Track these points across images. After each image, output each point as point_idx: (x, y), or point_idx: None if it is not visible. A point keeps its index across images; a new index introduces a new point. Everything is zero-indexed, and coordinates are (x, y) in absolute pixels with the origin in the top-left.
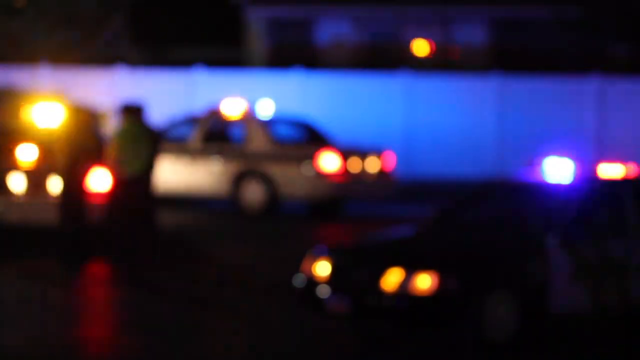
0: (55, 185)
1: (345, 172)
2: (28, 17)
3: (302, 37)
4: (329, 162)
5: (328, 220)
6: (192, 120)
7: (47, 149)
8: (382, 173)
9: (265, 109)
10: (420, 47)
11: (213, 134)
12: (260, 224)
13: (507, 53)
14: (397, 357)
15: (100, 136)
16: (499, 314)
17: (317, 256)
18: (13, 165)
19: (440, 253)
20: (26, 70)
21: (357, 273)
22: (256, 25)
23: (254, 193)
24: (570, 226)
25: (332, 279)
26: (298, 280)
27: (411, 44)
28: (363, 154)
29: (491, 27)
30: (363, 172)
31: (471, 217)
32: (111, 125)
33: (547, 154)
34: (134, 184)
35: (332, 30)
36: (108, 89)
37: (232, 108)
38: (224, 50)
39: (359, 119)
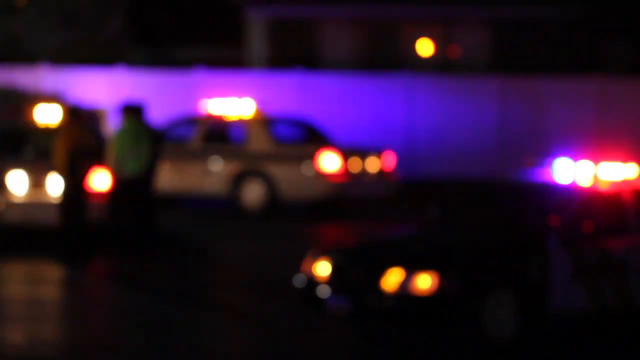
0: (55, 185)
1: (345, 172)
2: (28, 17)
3: (302, 37)
4: (329, 162)
5: (328, 220)
6: (192, 120)
7: (47, 148)
8: (382, 173)
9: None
10: (423, 47)
11: (213, 134)
12: (260, 224)
13: (507, 53)
14: (397, 357)
15: (100, 136)
16: (499, 314)
17: (317, 256)
18: (13, 165)
19: (440, 253)
20: (26, 70)
21: (357, 273)
22: (256, 25)
23: (254, 193)
24: (570, 226)
25: (332, 279)
26: (298, 280)
27: (412, 44)
28: (363, 154)
29: (491, 27)
30: (363, 172)
31: (471, 217)
32: (111, 125)
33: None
34: (134, 183)
35: (332, 30)
36: (108, 89)
37: (232, 108)
38: (224, 51)
39: (359, 119)
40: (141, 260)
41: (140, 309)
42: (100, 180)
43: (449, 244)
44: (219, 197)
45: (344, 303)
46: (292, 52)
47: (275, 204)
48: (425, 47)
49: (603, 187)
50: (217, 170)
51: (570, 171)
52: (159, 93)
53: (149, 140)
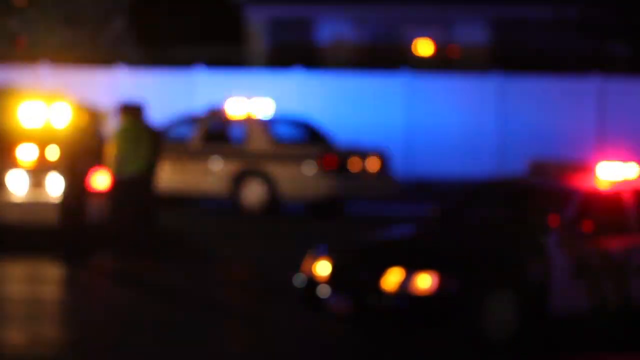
0: (55, 185)
1: (345, 172)
2: (28, 17)
3: (302, 37)
4: (328, 162)
5: (328, 220)
6: (192, 120)
7: (47, 148)
8: (382, 173)
9: (266, 109)
10: (423, 47)
11: (213, 134)
12: (260, 224)
13: (507, 53)
14: (397, 357)
15: (100, 136)
16: (499, 314)
17: (317, 256)
18: (13, 165)
19: (440, 253)
20: (26, 70)
21: (357, 273)
22: (256, 25)
23: (254, 193)
24: (570, 226)
25: (332, 279)
26: (298, 280)
27: (412, 43)
28: (363, 154)
29: (491, 27)
30: (363, 172)
31: (471, 217)
32: (110, 125)
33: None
34: (134, 183)
35: (332, 30)
36: (108, 89)
37: (236, 107)
38: (224, 50)
39: (359, 119)
40: (141, 260)
41: (140, 308)
42: (100, 180)
43: (449, 244)
44: (219, 197)
45: (344, 303)
46: (292, 52)
47: (275, 203)
48: (425, 47)
49: (603, 187)
50: (217, 170)
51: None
52: (159, 93)
53: (149, 140)
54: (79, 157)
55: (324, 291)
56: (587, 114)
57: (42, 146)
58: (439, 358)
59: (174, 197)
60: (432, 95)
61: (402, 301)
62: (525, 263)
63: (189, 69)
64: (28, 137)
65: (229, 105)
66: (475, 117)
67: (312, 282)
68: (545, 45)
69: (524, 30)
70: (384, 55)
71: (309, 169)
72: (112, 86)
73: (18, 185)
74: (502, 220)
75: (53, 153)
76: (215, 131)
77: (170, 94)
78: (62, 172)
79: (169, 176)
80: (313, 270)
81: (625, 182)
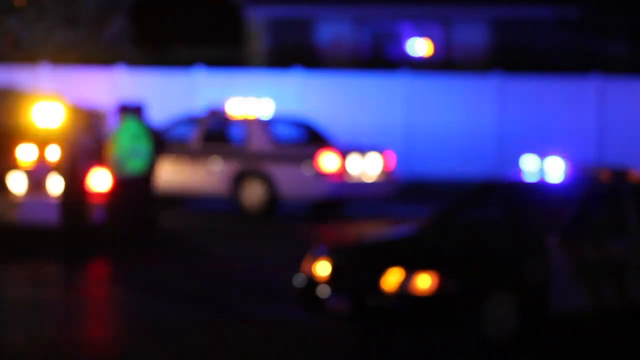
0: (55, 185)
1: (345, 172)
2: (28, 17)
3: (302, 37)
4: (329, 162)
5: (328, 220)
6: (192, 120)
7: (47, 149)
8: (382, 173)
9: (265, 109)
10: (423, 47)
11: (213, 134)
12: (260, 224)
13: (507, 53)
14: (397, 357)
15: (100, 136)
16: (499, 314)
17: (317, 256)
18: (13, 165)
19: (440, 253)
20: (26, 70)
21: (357, 273)
22: (256, 25)
23: (254, 193)
24: (570, 226)
25: (332, 279)
26: (298, 280)
27: (412, 43)
28: (363, 154)
29: (491, 27)
30: (363, 172)
31: (471, 217)
32: (110, 125)
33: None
34: (133, 183)
35: (332, 30)
36: (108, 89)
37: (236, 107)
38: (224, 50)
39: (359, 119)
40: (141, 260)
41: (140, 308)
42: (100, 180)
43: (449, 244)
44: (219, 197)
45: (344, 303)
46: (292, 52)
47: (275, 204)
48: (425, 47)
49: (603, 187)
50: (217, 170)
51: (569, 171)
52: (159, 93)
53: (148, 140)
54: (78, 157)
55: (323, 291)
56: (587, 114)
57: (42, 146)
58: (439, 358)
59: (174, 197)
60: (432, 95)
61: (402, 301)
62: (525, 263)
63: (189, 69)
64: (28, 137)
65: (229, 105)
66: (475, 117)
67: (312, 282)
68: (545, 45)
69: (523, 30)
70: (384, 56)
71: (309, 169)
72: (112, 86)
73: (18, 186)
74: (502, 221)
75: (53, 153)
76: (215, 131)
77: (170, 94)
78: (62, 172)
79: (169, 176)
80: (313, 270)
81: (625, 182)
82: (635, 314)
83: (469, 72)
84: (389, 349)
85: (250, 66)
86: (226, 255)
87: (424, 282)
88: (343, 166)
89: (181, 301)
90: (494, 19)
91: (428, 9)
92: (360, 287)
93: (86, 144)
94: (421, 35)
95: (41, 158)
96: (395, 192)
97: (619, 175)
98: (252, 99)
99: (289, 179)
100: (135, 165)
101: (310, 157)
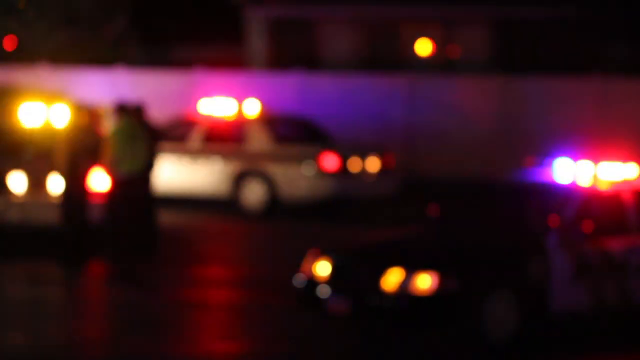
0: (55, 185)
1: (345, 172)
2: (28, 17)
3: (302, 37)
4: (329, 162)
5: (328, 220)
6: (192, 120)
7: (47, 149)
8: (382, 173)
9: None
10: (423, 47)
11: (213, 134)
12: (260, 224)
13: (507, 53)
14: (397, 357)
15: (100, 136)
16: (499, 314)
17: (317, 256)
18: (13, 165)
19: (440, 253)
20: (26, 70)
21: (357, 273)
22: (256, 25)
23: (254, 193)
24: (570, 226)
25: (332, 279)
26: (298, 280)
27: (412, 44)
28: (363, 154)
29: (492, 27)
30: (363, 171)
31: (471, 217)
32: (108, 125)
33: (553, 154)
34: (132, 183)
35: (332, 29)
36: (108, 89)
37: (235, 107)
38: (224, 50)
39: (359, 119)
40: (140, 260)
41: (140, 308)
42: (100, 180)
43: (449, 244)
44: (219, 197)
45: (344, 303)
46: (292, 52)
47: (275, 204)
48: (425, 47)
49: (603, 187)
50: (217, 170)
51: (570, 171)
52: (159, 93)
53: (146, 140)
54: (78, 157)
55: (323, 291)
56: (587, 114)
57: (42, 146)
58: (438, 358)
59: (173, 197)
60: (432, 95)
61: (402, 301)
62: (525, 263)
63: (189, 69)
64: (28, 137)
65: (229, 105)
66: (476, 117)
67: (312, 282)
68: (546, 45)
69: (524, 30)
70: (384, 56)
71: (309, 169)
72: (112, 86)
73: (18, 186)
74: (502, 221)
75: (53, 153)
76: (215, 131)
77: (170, 94)
78: (62, 172)
79: (169, 176)
80: (313, 270)
81: (625, 182)
82: (635, 314)
83: (469, 73)
84: (389, 349)
85: (250, 66)
86: (225, 255)
87: (424, 282)
88: (343, 166)
89: (180, 301)
90: (494, 19)
91: (428, 8)
92: (360, 287)
93: (87, 143)
94: (421, 35)
95: (41, 158)
96: (395, 191)
97: None
98: (250, 99)
99: (289, 179)
100: (131, 165)
101: (311, 157)
